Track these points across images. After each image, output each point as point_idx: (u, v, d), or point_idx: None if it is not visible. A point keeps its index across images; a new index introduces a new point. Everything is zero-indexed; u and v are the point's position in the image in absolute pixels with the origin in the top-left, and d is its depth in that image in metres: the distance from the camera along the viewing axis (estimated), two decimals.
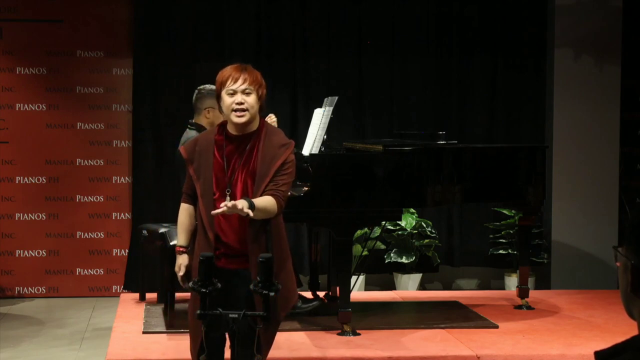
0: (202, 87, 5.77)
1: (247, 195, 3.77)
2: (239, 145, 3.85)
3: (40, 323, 6.88)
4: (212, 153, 3.86)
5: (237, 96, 3.80)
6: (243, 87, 3.81)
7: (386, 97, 8.04)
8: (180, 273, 3.94)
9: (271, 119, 5.79)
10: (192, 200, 3.95)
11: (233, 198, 3.77)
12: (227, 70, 3.87)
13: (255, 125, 3.87)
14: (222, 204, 3.63)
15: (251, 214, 3.61)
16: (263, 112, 3.94)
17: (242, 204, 3.60)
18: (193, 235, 3.98)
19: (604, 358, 1.58)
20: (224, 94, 3.84)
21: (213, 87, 5.74)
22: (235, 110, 3.79)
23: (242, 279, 3.71)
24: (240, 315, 3.17)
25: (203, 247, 3.83)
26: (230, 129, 3.88)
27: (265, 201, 3.75)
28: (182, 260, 3.96)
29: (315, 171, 5.49)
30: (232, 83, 3.82)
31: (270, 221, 3.80)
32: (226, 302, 3.44)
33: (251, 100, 3.81)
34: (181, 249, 3.98)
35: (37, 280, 7.82)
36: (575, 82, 7.84)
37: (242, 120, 3.81)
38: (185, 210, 3.98)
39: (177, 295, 5.81)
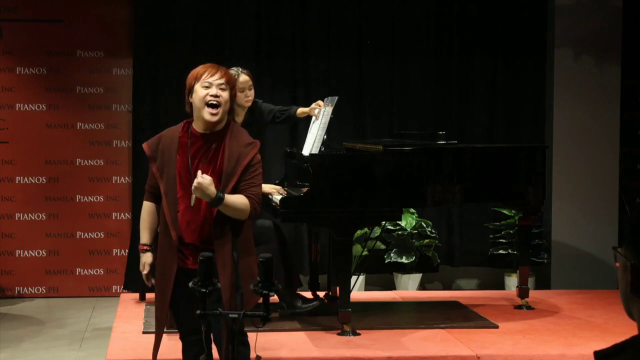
0: None
1: None
2: (204, 143, 3.84)
3: (40, 323, 6.88)
4: (175, 151, 3.84)
5: (213, 89, 3.79)
6: (220, 81, 3.81)
7: (386, 97, 8.04)
8: (145, 272, 3.94)
9: (319, 105, 5.88)
10: (154, 198, 3.94)
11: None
12: (203, 67, 3.88)
13: (222, 124, 3.86)
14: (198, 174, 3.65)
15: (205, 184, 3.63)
16: (232, 114, 3.94)
17: (209, 186, 3.62)
18: (157, 233, 3.96)
19: (604, 358, 1.58)
20: (198, 86, 3.81)
21: None
22: (209, 105, 3.78)
23: None
24: (240, 315, 3.17)
25: (165, 246, 3.82)
26: (197, 127, 3.86)
27: (237, 198, 3.74)
28: (145, 259, 3.94)
29: (315, 171, 5.48)
30: (208, 76, 3.81)
31: (234, 221, 3.79)
32: (195, 302, 3.34)
33: (225, 95, 3.82)
34: (144, 247, 3.97)
35: (37, 280, 7.82)
36: (575, 82, 7.84)
37: (216, 118, 3.80)
38: (147, 208, 3.99)
39: None
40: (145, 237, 3.98)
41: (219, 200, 3.67)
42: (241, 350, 3.77)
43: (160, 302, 3.88)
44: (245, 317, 3.21)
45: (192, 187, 3.65)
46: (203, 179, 3.63)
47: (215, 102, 3.79)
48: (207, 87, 3.80)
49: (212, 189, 3.65)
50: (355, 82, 8.00)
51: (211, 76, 3.81)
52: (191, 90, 3.85)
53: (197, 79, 3.83)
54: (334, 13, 7.97)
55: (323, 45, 7.96)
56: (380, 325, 5.82)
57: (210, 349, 3.83)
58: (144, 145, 3.96)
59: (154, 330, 5.64)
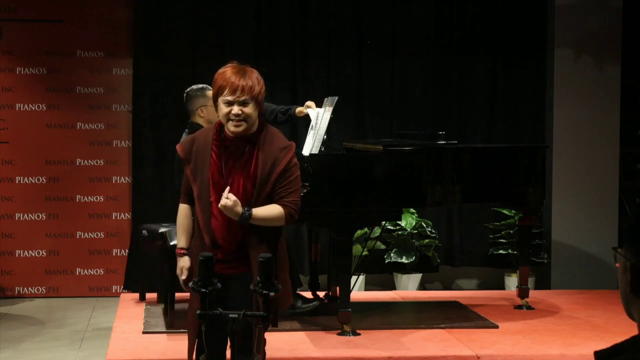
0: (188, 89, 5.81)
1: (247, 199, 3.70)
2: (237, 147, 3.76)
3: (40, 323, 6.88)
4: (209, 154, 3.76)
5: (235, 107, 3.70)
6: (241, 98, 3.70)
7: (386, 97, 8.04)
8: (183, 277, 3.85)
9: (311, 106, 5.87)
10: (190, 200, 3.86)
11: None
12: (227, 75, 3.74)
13: (254, 128, 3.77)
14: (225, 194, 3.62)
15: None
16: (262, 112, 3.84)
17: (234, 207, 3.61)
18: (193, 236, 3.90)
19: (604, 358, 1.58)
20: (220, 101, 3.73)
21: (199, 86, 5.78)
22: (232, 120, 3.72)
23: (241, 282, 3.64)
24: (240, 315, 3.16)
25: (199, 249, 3.74)
26: (228, 131, 3.78)
27: (269, 210, 3.71)
28: (183, 263, 3.86)
29: (315, 171, 5.49)
30: (229, 93, 3.70)
31: (270, 227, 3.76)
32: (226, 307, 3.37)
33: (248, 109, 3.71)
34: (182, 251, 3.88)
35: (37, 280, 7.81)
36: (575, 82, 7.84)
37: (240, 129, 3.72)
38: (183, 211, 3.90)
39: (177, 295, 5.81)
40: (182, 241, 3.89)
41: (246, 218, 3.65)
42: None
43: (196, 304, 3.84)
44: (246, 317, 3.20)
45: (219, 206, 3.62)
46: (227, 201, 3.59)
47: (237, 119, 3.71)
48: (228, 104, 3.71)
49: (238, 209, 3.62)
50: (355, 82, 7.99)
51: (232, 94, 3.70)
52: (215, 99, 3.77)
53: (219, 92, 3.73)
54: (334, 13, 7.97)
55: (323, 46, 7.96)
56: (380, 325, 5.82)
57: (214, 348, 3.80)
58: (178, 148, 3.87)
59: (154, 330, 5.67)
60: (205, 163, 3.76)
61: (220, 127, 3.82)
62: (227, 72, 3.77)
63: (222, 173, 3.74)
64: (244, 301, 3.60)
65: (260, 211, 3.69)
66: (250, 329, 3.49)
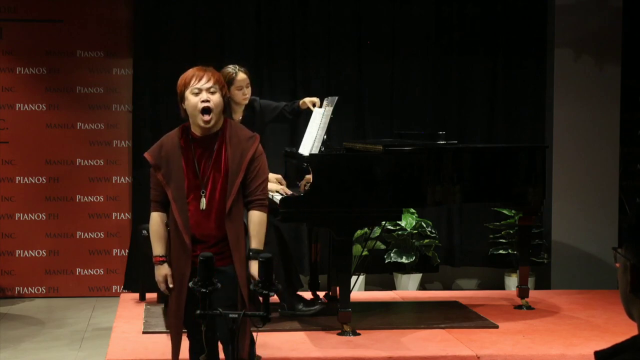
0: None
1: (224, 195, 3.77)
2: (206, 146, 3.85)
3: (40, 323, 6.88)
4: (179, 156, 3.84)
5: (203, 94, 3.82)
6: (208, 85, 3.83)
7: (386, 97, 8.04)
8: (170, 285, 3.87)
9: (316, 102, 5.87)
10: (163, 207, 3.90)
11: (208, 198, 3.79)
12: (190, 71, 3.91)
13: (219, 125, 3.87)
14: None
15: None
16: (226, 112, 3.96)
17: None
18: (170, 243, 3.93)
19: (604, 358, 1.58)
20: (188, 93, 3.85)
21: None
22: (202, 111, 3.79)
23: (223, 276, 3.63)
24: (240, 315, 3.17)
25: (179, 251, 3.81)
26: (195, 131, 3.87)
27: (257, 228, 3.82)
28: (165, 271, 3.88)
29: (315, 171, 5.48)
30: (196, 81, 3.84)
31: (243, 221, 3.85)
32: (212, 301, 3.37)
33: (216, 98, 3.83)
34: (161, 259, 3.90)
35: (37, 280, 7.81)
36: (575, 82, 7.84)
37: (209, 124, 3.82)
38: (157, 219, 3.92)
39: None
40: (159, 249, 3.91)
41: (257, 255, 3.72)
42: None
43: (175, 305, 3.86)
44: (246, 317, 3.21)
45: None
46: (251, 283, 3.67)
47: (207, 107, 3.80)
48: (196, 94, 3.83)
49: (254, 272, 3.74)
50: (355, 82, 7.99)
51: (199, 81, 3.84)
52: (182, 97, 3.89)
53: (186, 85, 3.87)
54: (334, 13, 7.97)
55: (323, 46, 7.95)
56: (380, 325, 5.82)
57: (213, 348, 3.82)
58: (147, 155, 3.94)
59: (154, 330, 5.67)
60: (177, 165, 3.84)
61: (184, 129, 3.92)
62: (190, 70, 3.95)
63: (196, 173, 3.82)
64: (228, 295, 3.62)
65: (257, 237, 3.83)
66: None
